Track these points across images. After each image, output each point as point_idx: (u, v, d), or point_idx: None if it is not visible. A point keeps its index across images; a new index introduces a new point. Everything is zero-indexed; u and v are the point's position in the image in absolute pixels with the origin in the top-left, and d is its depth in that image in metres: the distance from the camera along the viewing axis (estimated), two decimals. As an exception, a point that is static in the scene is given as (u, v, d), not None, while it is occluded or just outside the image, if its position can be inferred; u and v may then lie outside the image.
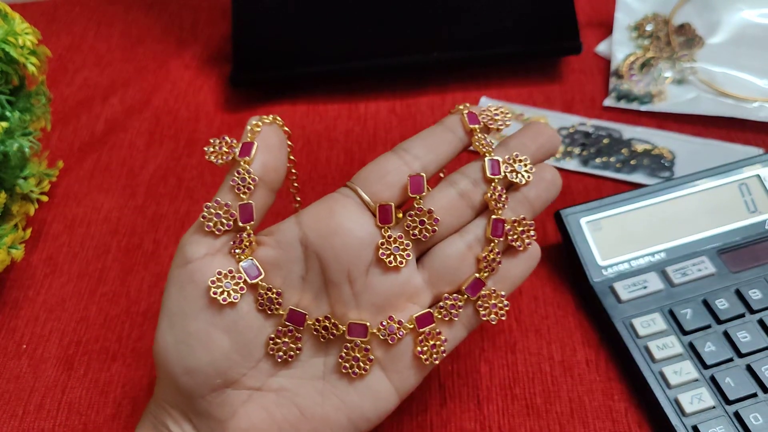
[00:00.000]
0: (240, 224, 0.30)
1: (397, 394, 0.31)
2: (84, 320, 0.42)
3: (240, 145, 0.31)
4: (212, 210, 0.30)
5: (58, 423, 0.38)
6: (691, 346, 0.37)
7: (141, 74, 0.57)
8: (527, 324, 0.40)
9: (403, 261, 0.30)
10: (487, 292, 0.31)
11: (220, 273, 0.30)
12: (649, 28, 0.56)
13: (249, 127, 0.32)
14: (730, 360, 0.37)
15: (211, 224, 0.30)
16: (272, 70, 0.53)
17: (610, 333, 0.39)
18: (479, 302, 0.31)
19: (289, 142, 0.33)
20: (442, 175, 0.34)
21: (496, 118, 0.33)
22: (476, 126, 0.32)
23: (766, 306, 0.39)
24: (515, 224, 0.32)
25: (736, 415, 0.35)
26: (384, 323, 0.30)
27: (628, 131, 0.50)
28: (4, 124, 0.40)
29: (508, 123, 0.33)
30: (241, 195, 0.30)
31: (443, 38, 0.53)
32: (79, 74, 0.57)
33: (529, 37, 0.53)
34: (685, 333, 0.38)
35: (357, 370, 0.30)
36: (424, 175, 0.31)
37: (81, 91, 0.56)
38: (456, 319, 0.31)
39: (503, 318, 0.32)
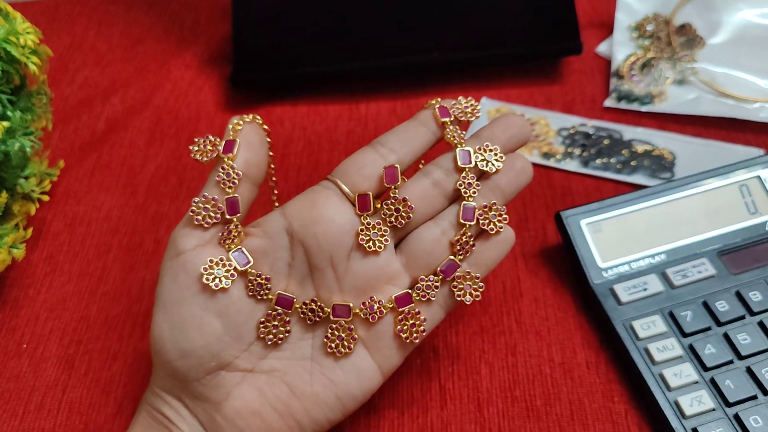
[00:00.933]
0: (227, 217, 0.32)
1: (380, 372, 0.33)
2: (85, 319, 0.42)
3: (223, 142, 0.33)
4: (200, 204, 0.32)
5: (58, 423, 0.38)
6: (691, 348, 0.37)
7: (142, 74, 0.57)
8: (527, 326, 0.40)
9: (382, 246, 0.32)
10: (462, 273, 0.33)
11: (211, 261, 0.31)
12: (649, 28, 0.56)
13: (231, 126, 0.33)
14: (731, 362, 0.37)
15: (200, 218, 0.32)
16: (272, 71, 0.53)
17: (610, 335, 0.39)
18: (454, 283, 0.33)
19: (268, 139, 0.35)
20: (421, 165, 0.36)
21: (467, 110, 0.35)
22: (447, 119, 0.34)
23: (767, 308, 0.39)
24: (486, 209, 0.33)
25: (736, 417, 0.35)
26: (365, 303, 0.32)
27: (628, 132, 0.50)
28: (6, 123, 0.40)
29: (477, 115, 0.35)
30: (227, 189, 0.32)
31: (444, 39, 0.53)
32: (79, 73, 0.57)
33: (530, 37, 0.53)
34: (685, 335, 0.38)
35: (342, 349, 0.32)
36: (399, 166, 0.33)
37: (82, 90, 0.56)
38: (433, 299, 0.33)
39: (478, 299, 0.33)
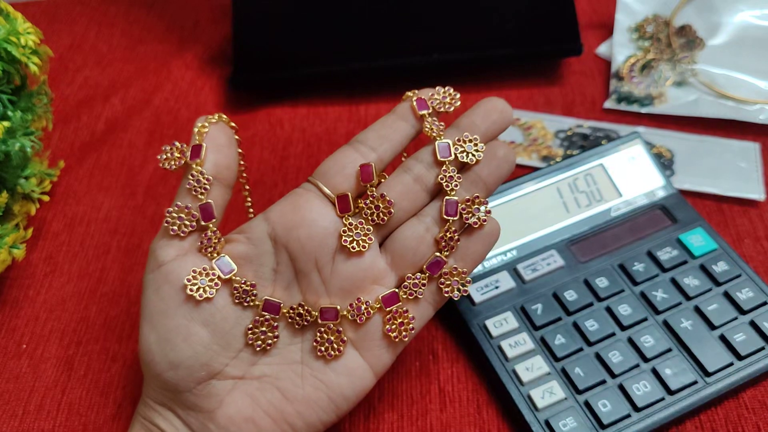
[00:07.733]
0: (203, 223, 0.32)
1: (372, 372, 0.33)
2: (84, 320, 0.42)
3: (190, 148, 0.32)
4: (174, 214, 0.32)
5: (57, 423, 0.38)
6: (543, 340, 0.38)
7: (142, 74, 0.57)
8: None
9: (366, 245, 0.32)
10: (448, 269, 0.33)
11: (195, 271, 0.31)
12: (649, 29, 0.56)
13: (196, 129, 0.33)
14: (580, 350, 0.37)
15: (175, 227, 0.32)
16: (272, 72, 0.53)
17: (466, 337, 0.39)
18: (441, 279, 0.33)
19: (236, 137, 0.34)
20: (404, 157, 0.36)
21: (445, 101, 0.34)
22: (425, 111, 0.33)
23: (613, 293, 0.39)
24: (468, 203, 0.33)
25: (587, 404, 0.35)
26: (352, 304, 0.32)
27: (625, 131, 0.50)
28: (6, 123, 0.40)
29: (456, 104, 0.34)
30: (199, 196, 0.32)
31: (444, 39, 0.53)
32: (80, 74, 0.57)
33: (530, 38, 0.53)
34: (536, 328, 0.38)
35: (332, 352, 0.32)
36: (374, 164, 0.32)
37: (82, 90, 0.56)
38: (421, 297, 0.33)
39: (466, 293, 0.33)
